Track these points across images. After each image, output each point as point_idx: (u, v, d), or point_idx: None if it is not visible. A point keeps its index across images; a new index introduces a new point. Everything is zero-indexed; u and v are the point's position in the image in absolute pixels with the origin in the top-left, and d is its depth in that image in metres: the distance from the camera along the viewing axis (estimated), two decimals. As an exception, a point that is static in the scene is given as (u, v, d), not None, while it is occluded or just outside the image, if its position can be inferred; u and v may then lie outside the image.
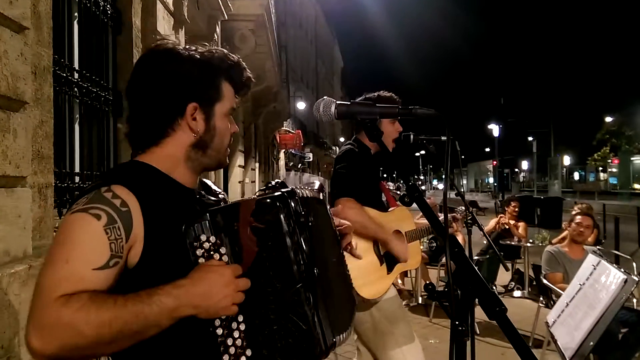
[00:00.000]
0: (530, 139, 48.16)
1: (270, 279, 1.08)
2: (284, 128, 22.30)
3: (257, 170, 15.18)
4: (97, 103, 3.47)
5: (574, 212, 4.94)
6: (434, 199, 8.28)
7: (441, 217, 3.13)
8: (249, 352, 1.07)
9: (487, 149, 76.60)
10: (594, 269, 2.60)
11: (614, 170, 57.35)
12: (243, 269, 1.08)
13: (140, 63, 1.27)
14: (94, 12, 3.49)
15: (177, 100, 1.21)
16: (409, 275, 7.21)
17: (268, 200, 1.10)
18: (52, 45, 2.56)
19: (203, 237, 1.08)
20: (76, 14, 3.30)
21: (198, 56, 1.23)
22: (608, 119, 54.21)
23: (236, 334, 1.08)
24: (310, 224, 1.16)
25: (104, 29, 3.69)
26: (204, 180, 1.43)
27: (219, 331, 1.07)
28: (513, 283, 7.14)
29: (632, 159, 53.69)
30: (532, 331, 4.84)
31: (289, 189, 1.15)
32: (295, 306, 1.08)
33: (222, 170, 9.06)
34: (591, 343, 2.32)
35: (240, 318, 1.08)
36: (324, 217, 1.30)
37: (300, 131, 24.49)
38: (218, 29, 7.56)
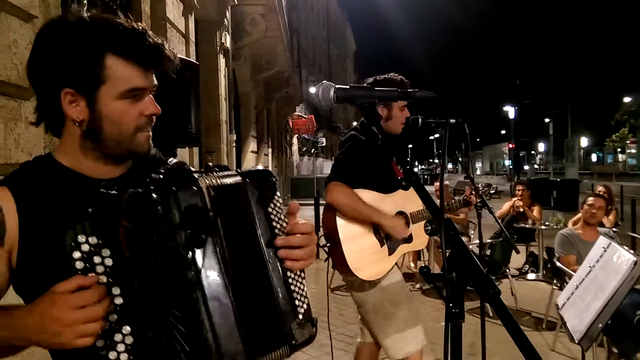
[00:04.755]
0: (546, 120, 47.43)
1: (156, 287, 0.94)
2: (297, 113, 22.28)
3: (270, 155, 15.22)
4: (108, 90, 3.50)
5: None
6: (446, 182, 8.25)
7: (454, 198, 3.11)
8: None
9: (503, 131, 75.70)
10: (604, 251, 2.57)
11: (633, 151, 56.29)
12: (125, 274, 0.94)
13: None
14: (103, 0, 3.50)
15: (49, 87, 1.04)
16: (422, 259, 7.23)
17: (137, 195, 0.95)
18: (61, 33, 2.59)
19: (81, 239, 0.91)
20: (85, 1, 3.31)
21: (72, 29, 1.03)
22: (626, 99, 53.06)
23: (121, 348, 0.93)
24: (213, 221, 1.00)
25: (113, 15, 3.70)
26: (170, 159, 1.25)
27: (99, 343, 0.92)
28: (527, 266, 7.11)
29: (651, 139, 52.67)
30: (546, 314, 4.83)
31: (188, 179, 1.01)
32: (184, 318, 0.95)
33: (235, 155, 9.10)
34: (600, 325, 2.31)
35: (126, 330, 0.93)
36: (241, 205, 1.08)
37: (313, 116, 24.43)
38: (228, 14, 7.54)
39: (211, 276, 0.98)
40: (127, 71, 1.05)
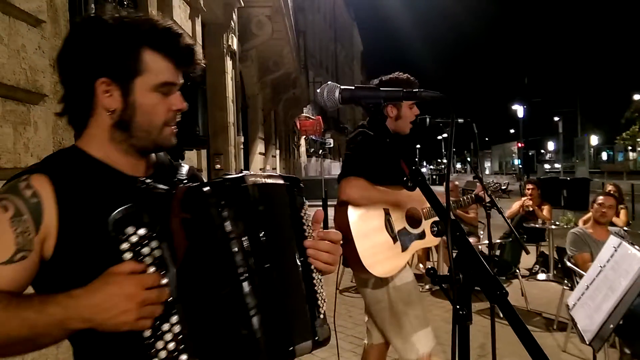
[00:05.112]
0: (556, 119, 47.14)
1: (205, 276, 0.98)
2: (304, 114, 22.27)
3: (277, 157, 15.24)
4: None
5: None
6: (456, 183, 8.21)
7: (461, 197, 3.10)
8: (184, 357, 0.96)
9: (512, 131, 75.30)
10: (615, 250, 2.55)
11: (644, 149, 55.75)
12: (177, 266, 0.98)
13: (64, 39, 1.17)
14: (110, 4, 3.52)
15: (85, 76, 1.08)
16: (431, 259, 7.20)
17: (200, 189, 0.99)
18: (69, 38, 2.61)
19: (130, 230, 0.94)
20: (93, 5, 3.34)
21: (112, 23, 1.08)
22: (637, 97, 52.55)
23: (168, 337, 0.96)
24: (258, 215, 1.04)
25: (121, 20, 3.73)
26: (178, 164, 1.32)
27: (147, 333, 0.94)
28: (538, 266, 7.06)
29: (662, 137, 52.10)
30: (557, 314, 4.79)
31: (235, 176, 1.04)
32: (234, 307, 0.98)
33: (243, 157, 9.12)
34: (611, 326, 2.28)
35: (174, 319, 0.96)
36: (280, 205, 1.14)
37: (320, 117, 24.41)
38: (235, 16, 7.56)
39: (256, 267, 1.01)
40: (161, 65, 1.10)
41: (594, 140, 61.88)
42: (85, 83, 1.09)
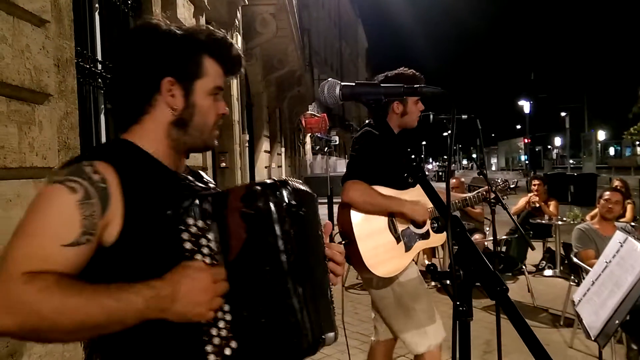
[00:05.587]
0: (562, 114, 46.80)
1: (258, 268, 1.05)
2: (309, 112, 22.27)
3: (283, 155, 15.24)
4: (120, 93, 3.53)
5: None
6: (462, 179, 8.18)
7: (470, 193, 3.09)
8: (234, 344, 1.03)
9: (518, 126, 74.90)
10: (621, 246, 2.53)
11: (652, 144, 55.28)
12: (230, 257, 1.05)
13: (120, 39, 1.27)
14: (114, 3, 3.53)
15: (152, 75, 1.16)
16: (437, 256, 7.18)
17: (259, 187, 1.08)
18: (74, 37, 2.62)
19: (190, 221, 1.03)
20: (97, 5, 3.35)
21: (177, 31, 1.19)
22: (644, 91, 52.10)
23: (221, 324, 1.03)
24: (302, 214, 1.12)
25: (125, 19, 3.74)
26: (198, 170, 1.40)
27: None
28: (544, 262, 7.03)
29: (670, 132, 51.60)
30: (563, 310, 4.77)
31: (281, 179, 1.13)
32: (284, 297, 1.05)
33: (248, 155, 9.13)
34: (617, 322, 2.27)
35: (226, 307, 1.04)
36: (314, 212, 1.23)
37: (325, 114, 24.40)
38: (239, 14, 7.56)
39: (297, 263, 1.07)
40: (216, 71, 1.22)
41: (601, 135, 61.47)
42: (153, 80, 1.16)
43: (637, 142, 56.86)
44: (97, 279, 1.00)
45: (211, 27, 1.24)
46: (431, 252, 7.04)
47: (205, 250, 1.04)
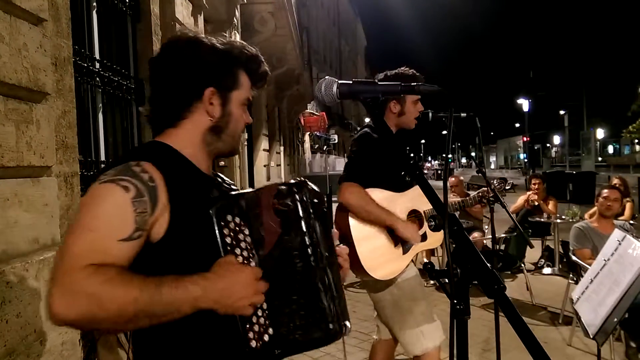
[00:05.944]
0: (561, 112, 46.79)
1: (290, 261, 1.14)
2: (308, 110, 22.25)
3: (282, 153, 15.24)
4: (119, 92, 3.53)
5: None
6: (461, 178, 8.18)
7: (471, 194, 3.09)
8: (270, 331, 1.13)
9: (517, 125, 74.80)
10: (619, 244, 2.53)
11: (651, 142, 55.32)
12: (264, 251, 1.14)
13: (165, 48, 1.34)
14: (112, 1, 3.52)
15: (196, 84, 1.26)
16: (436, 255, 7.19)
17: (287, 187, 1.17)
18: (71, 36, 2.61)
19: (229, 218, 1.12)
20: (95, 3, 3.34)
21: (219, 45, 1.29)
22: (643, 89, 52.13)
23: (259, 313, 1.13)
24: (325, 211, 1.22)
25: (123, 17, 3.73)
26: (217, 173, 1.47)
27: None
28: (543, 260, 7.04)
29: (669, 130, 51.63)
30: (562, 308, 4.78)
31: (301, 180, 1.21)
32: (314, 287, 1.14)
33: (247, 154, 9.12)
34: (615, 319, 2.27)
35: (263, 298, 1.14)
36: (328, 210, 1.34)
37: (324, 113, 24.38)
38: (237, 13, 7.54)
39: (322, 255, 1.17)
40: (248, 84, 1.34)
41: (600, 133, 61.44)
42: (197, 88, 1.26)
43: (636, 140, 56.92)
44: (143, 273, 1.06)
45: (244, 43, 1.37)
46: (430, 250, 7.05)
47: (243, 245, 1.13)
